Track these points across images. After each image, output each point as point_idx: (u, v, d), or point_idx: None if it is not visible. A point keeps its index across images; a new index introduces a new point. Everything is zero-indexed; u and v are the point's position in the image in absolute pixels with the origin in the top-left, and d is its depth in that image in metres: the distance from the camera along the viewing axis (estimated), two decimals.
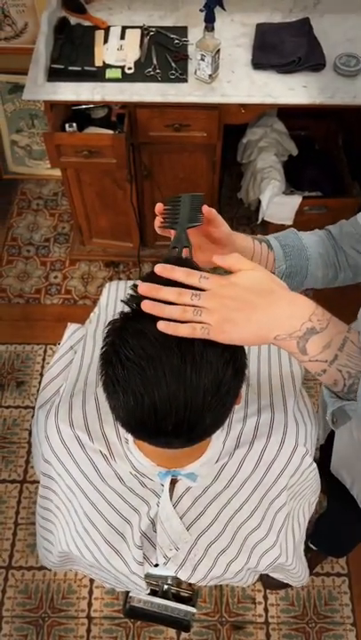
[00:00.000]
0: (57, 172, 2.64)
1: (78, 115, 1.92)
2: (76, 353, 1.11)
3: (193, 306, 0.63)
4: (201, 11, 1.64)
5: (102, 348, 0.70)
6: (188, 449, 0.78)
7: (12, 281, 2.46)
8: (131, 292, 0.70)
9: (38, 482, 0.99)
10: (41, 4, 2.13)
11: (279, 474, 0.90)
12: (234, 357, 0.67)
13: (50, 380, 1.07)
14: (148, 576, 0.95)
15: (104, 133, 1.81)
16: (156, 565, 0.91)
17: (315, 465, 0.95)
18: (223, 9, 1.65)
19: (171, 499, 0.86)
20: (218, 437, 0.86)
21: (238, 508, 0.89)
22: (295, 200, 2.22)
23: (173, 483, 0.86)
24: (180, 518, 0.87)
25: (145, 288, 0.64)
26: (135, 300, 0.69)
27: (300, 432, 0.94)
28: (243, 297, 0.64)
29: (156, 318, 0.64)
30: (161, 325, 0.62)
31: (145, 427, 0.66)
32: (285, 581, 1.13)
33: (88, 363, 1.07)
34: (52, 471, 0.92)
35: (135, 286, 0.70)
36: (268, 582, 1.82)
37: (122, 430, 0.87)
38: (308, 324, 0.65)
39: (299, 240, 0.91)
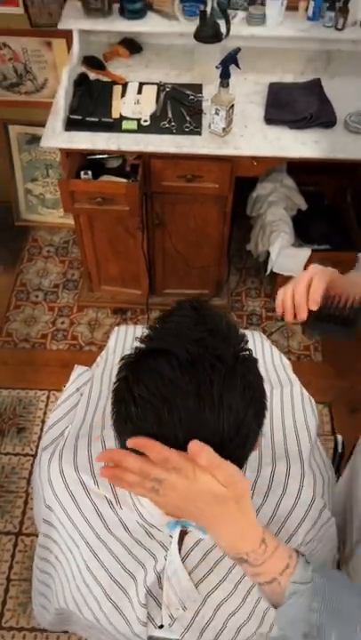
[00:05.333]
0: (69, 221, 2.69)
1: (93, 164, 1.96)
2: (82, 395, 1.08)
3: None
4: (217, 67, 1.70)
5: (115, 383, 0.67)
6: None
7: (19, 325, 2.45)
8: (146, 331, 0.68)
9: (35, 535, 0.93)
10: (62, 61, 2.22)
11: (296, 528, 0.84)
12: (255, 398, 0.64)
13: (55, 421, 1.03)
14: (150, 639, 0.87)
15: (118, 182, 1.84)
16: (161, 627, 0.84)
17: (333, 520, 0.89)
18: (238, 67, 1.71)
19: (180, 552, 0.80)
20: None
21: None
22: (304, 252, 2.23)
23: (183, 535, 0.80)
24: (189, 574, 0.80)
25: (109, 454, 0.64)
26: (149, 338, 0.66)
27: (318, 484, 0.89)
28: (198, 506, 0.63)
29: (171, 359, 0.61)
30: (103, 472, 0.64)
31: None
32: None
33: (94, 405, 1.03)
34: (53, 518, 0.87)
35: (150, 327, 0.68)
36: None
37: None
38: (245, 556, 0.65)
39: None
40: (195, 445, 0.59)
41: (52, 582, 0.92)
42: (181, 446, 0.61)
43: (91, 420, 1.00)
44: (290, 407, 1.06)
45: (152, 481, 0.61)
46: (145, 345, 0.65)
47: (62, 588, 0.88)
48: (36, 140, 2.53)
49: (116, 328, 1.33)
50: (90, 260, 2.26)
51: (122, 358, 0.67)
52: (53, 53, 2.24)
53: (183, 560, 0.80)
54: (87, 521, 0.83)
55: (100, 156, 1.95)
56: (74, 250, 2.69)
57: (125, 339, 1.28)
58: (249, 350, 0.66)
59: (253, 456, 0.89)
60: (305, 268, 2.25)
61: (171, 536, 0.80)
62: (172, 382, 0.61)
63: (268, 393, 1.04)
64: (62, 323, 2.46)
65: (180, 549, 0.80)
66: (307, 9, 1.95)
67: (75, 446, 0.89)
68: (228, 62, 1.67)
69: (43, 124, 1.91)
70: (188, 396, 0.60)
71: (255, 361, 0.66)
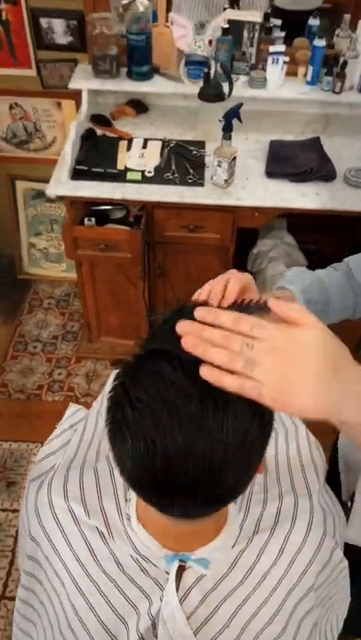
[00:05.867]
0: (71, 274, 2.70)
1: (97, 215, 1.99)
2: (76, 432, 1.03)
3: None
4: (220, 121, 1.76)
5: (110, 391, 0.63)
6: (202, 524, 0.67)
7: (15, 376, 2.40)
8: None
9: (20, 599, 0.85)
10: (70, 121, 2.31)
11: (305, 568, 0.76)
12: (261, 409, 0.60)
13: (46, 455, 0.98)
14: None
15: (121, 228, 1.86)
16: None
17: (346, 562, 0.82)
18: (240, 121, 1.77)
19: (177, 591, 0.72)
20: (234, 520, 0.75)
21: (256, 610, 0.74)
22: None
23: (181, 571, 0.73)
24: (187, 618, 0.72)
25: (186, 326, 0.54)
26: (149, 340, 0.63)
27: (329, 521, 0.82)
28: (307, 359, 0.51)
29: (172, 360, 0.57)
30: (204, 370, 0.52)
31: (155, 481, 0.57)
32: None
33: (88, 442, 0.97)
34: (38, 553, 0.79)
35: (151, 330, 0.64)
36: None
37: (123, 505, 0.76)
38: None
39: (325, 293, 0.88)
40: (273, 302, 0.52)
41: (35, 631, 0.82)
42: (182, 455, 0.56)
43: (84, 455, 0.94)
44: (295, 446, 1.00)
45: (243, 352, 0.50)
46: (144, 347, 0.62)
47: (45, 635, 0.79)
48: (41, 195, 2.59)
49: (113, 371, 1.29)
50: (90, 310, 2.25)
51: (120, 364, 0.63)
52: (63, 113, 2.34)
53: (181, 601, 0.72)
54: (75, 555, 0.75)
55: (104, 207, 1.98)
56: (75, 302, 2.69)
57: None
58: None
59: (259, 488, 0.82)
60: None
61: (167, 572, 0.72)
62: (173, 384, 0.56)
63: (272, 436, 0.99)
64: (59, 374, 2.41)
65: (177, 588, 0.72)
66: (305, 74, 2.04)
67: (65, 476, 0.83)
68: (231, 116, 1.73)
69: (49, 180, 1.95)
70: (189, 400, 0.56)
71: None
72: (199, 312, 0.54)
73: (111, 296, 2.18)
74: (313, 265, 2.46)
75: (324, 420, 0.52)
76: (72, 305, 2.69)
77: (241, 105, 1.74)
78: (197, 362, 0.57)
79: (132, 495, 0.75)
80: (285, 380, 0.51)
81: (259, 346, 0.51)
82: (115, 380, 0.63)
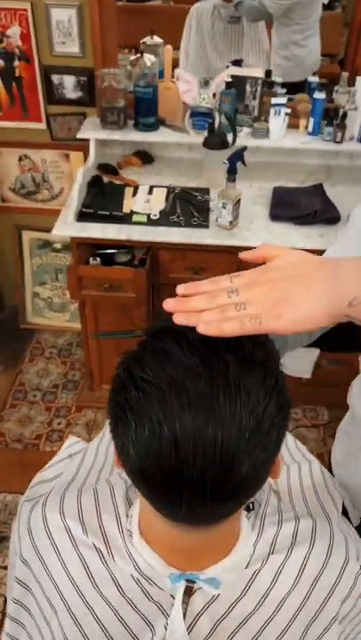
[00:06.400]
0: (74, 324, 2.68)
1: (102, 257, 1.99)
2: (74, 461, 0.96)
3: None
4: (224, 163, 1.79)
5: (114, 377, 0.58)
6: (211, 537, 0.60)
7: (13, 425, 2.32)
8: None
9: None
10: (77, 170, 2.37)
11: (328, 594, 0.68)
12: (277, 387, 0.55)
13: (40, 481, 0.91)
14: None
15: (126, 268, 1.85)
16: None
17: None
18: (244, 164, 1.81)
19: (184, 618, 0.63)
20: (247, 538, 0.68)
21: None
22: (313, 353, 2.17)
23: (188, 593, 0.65)
24: None
25: (172, 303, 0.54)
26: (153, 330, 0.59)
27: (351, 545, 0.74)
28: (292, 274, 0.52)
29: (179, 338, 0.53)
30: (201, 327, 0.50)
31: (161, 471, 0.51)
32: None
33: (87, 469, 0.91)
34: (29, 576, 0.71)
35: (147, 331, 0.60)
36: None
37: (124, 521, 0.69)
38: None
39: None
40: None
41: None
42: (190, 439, 0.50)
43: (82, 479, 0.87)
44: (310, 480, 0.94)
45: (231, 300, 0.52)
46: (149, 330, 0.58)
47: None
48: (48, 245, 2.62)
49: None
50: (92, 355, 2.20)
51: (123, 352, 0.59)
52: (71, 165, 2.40)
53: (189, 630, 0.64)
54: (70, 578, 0.67)
55: (109, 251, 1.99)
56: (77, 351, 2.65)
57: None
58: (266, 336, 0.58)
59: (272, 510, 0.75)
60: (314, 368, 2.19)
61: (172, 596, 0.64)
62: (181, 363, 0.52)
63: (284, 468, 0.93)
64: (59, 423, 2.32)
65: (184, 615, 0.64)
66: (307, 126, 2.11)
67: (62, 495, 0.76)
68: (235, 159, 1.76)
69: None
70: (198, 378, 0.51)
71: (275, 347, 0.57)
72: (180, 289, 0.55)
73: (114, 341, 2.14)
74: None
75: (337, 315, 0.52)
76: (74, 354, 2.65)
77: (245, 148, 1.78)
78: (206, 341, 0.53)
79: (134, 511, 0.69)
80: (280, 299, 0.51)
81: (243, 289, 0.52)
82: (118, 366, 0.58)
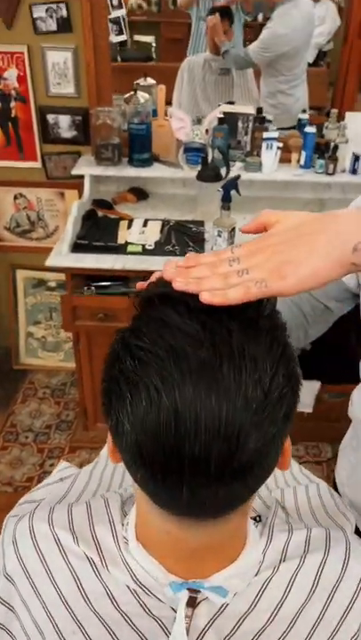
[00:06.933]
0: (68, 364, 2.62)
1: (97, 289, 1.96)
2: (64, 482, 0.90)
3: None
4: (219, 191, 1.80)
5: (108, 352, 0.53)
6: (216, 537, 0.54)
7: (3, 468, 2.21)
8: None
9: None
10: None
11: (347, 608, 0.61)
12: (285, 356, 0.50)
13: (29, 500, 0.84)
14: None
15: (121, 297, 1.82)
16: None
17: None
18: (238, 193, 1.81)
19: (187, 634, 0.56)
20: (256, 544, 0.61)
21: None
22: (314, 385, 2.12)
23: (192, 605, 0.57)
24: None
25: (171, 271, 0.52)
26: (152, 286, 0.55)
27: None
28: (292, 236, 0.51)
29: (177, 305, 0.49)
30: (205, 296, 0.48)
31: (160, 446, 0.46)
32: None
33: (78, 491, 0.85)
34: (12, 594, 0.63)
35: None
36: None
37: (120, 529, 0.62)
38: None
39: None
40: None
41: None
42: (193, 411, 0.45)
43: (75, 498, 0.80)
44: (318, 501, 0.87)
45: (233, 268, 0.50)
46: (146, 293, 0.53)
47: None
48: (42, 283, 2.60)
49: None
50: (87, 392, 2.14)
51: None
52: (65, 203, 2.42)
53: None
54: (59, 591, 0.60)
55: (104, 283, 1.96)
56: (71, 391, 2.58)
57: None
58: (273, 307, 0.54)
59: (280, 521, 0.68)
60: (315, 402, 2.13)
61: (173, 609, 0.57)
62: (180, 330, 0.48)
63: (290, 490, 0.87)
64: (51, 465, 2.22)
65: (187, 630, 0.56)
66: (299, 160, 2.14)
67: (52, 507, 0.69)
68: (229, 187, 1.77)
69: (50, 269, 1.96)
70: (200, 345, 0.47)
71: (281, 317, 0.53)
72: (179, 263, 0.53)
73: None
74: (315, 348, 2.40)
75: (344, 264, 0.49)
76: (68, 394, 2.58)
77: (239, 176, 1.79)
78: (208, 309, 0.49)
79: (131, 517, 0.62)
80: (283, 261, 0.49)
81: (244, 257, 0.51)
82: (113, 344, 0.54)
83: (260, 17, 3.24)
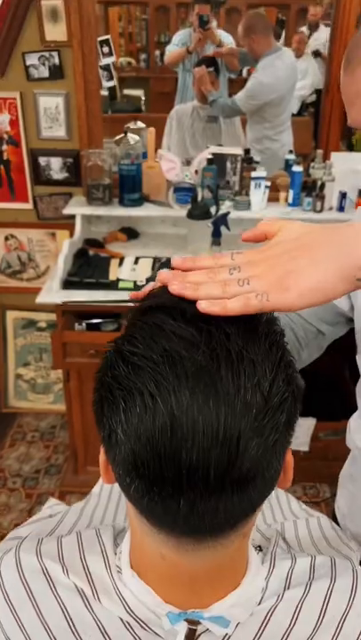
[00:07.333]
0: (57, 406, 2.57)
1: (88, 326, 1.95)
2: (54, 518, 0.85)
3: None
4: (209, 226, 1.81)
5: (101, 361, 0.51)
6: (217, 561, 0.50)
7: None
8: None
9: None
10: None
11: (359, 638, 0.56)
12: (284, 361, 0.48)
13: (16, 537, 0.79)
14: None
15: (113, 333, 1.80)
16: None
17: None
18: (228, 229, 1.83)
19: None
20: (258, 571, 0.57)
21: None
22: (309, 422, 2.08)
23: (191, 638, 0.52)
24: None
25: (167, 275, 0.50)
26: (146, 297, 0.53)
27: None
28: (295, 246, 0.48)
29: (172, 312, 0.47)
30: (203, 305, 0.46)
31: (156, 455, 0.43)
32: None
33: (68, 527, 0.80)
34: None
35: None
36: None
37: (112, 558, 0.58)
38: None
39: None
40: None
41: None
42: (190, 417, 0.43)
43: (65, 532, 0.76)
44: (320, 533, 0.83)
45: (233, 277, 0.48)
46: (139, 303, 0.52)
47: None
48: (32, 324, 2.58)
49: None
50: (77, 435, 2.08)
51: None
52: (57, 243, 2.42)
53: None
54: (46, 627, 0.55)
55: (95, 320, 1.95)
56: (61, 434, 2.51)
57: (112, 487, 1.07)
58: (271, 314, 0.52)
59: (282, 550, 0.65)
60: (311, 440, 2.08)
61: None
62: (175, 333, 0.46)
63: (290, 523, 0.83)
64: (40, 511, 2.13)
65: None
66: (287, 198, 2.18)
67: (40, 539, 0.65)
68: (220, 223, 1.79)
69: (40, 309, 1.95)
70: (196, 349, 0.45)
71: (279, 325, 0.51)
72: (175, 262, 0.51)
73: None
74: (310, 381, 2.39)
75: (349, 279, 0.47)
76: (58, 437, 2.51)
77: (228, 213, 1.82)
78: (205, 316, 0.47)
79: (124, 546, 0.58)
80: (286, 272, 0.47)
81: (245, 266, 0.48)
82: (106, 352, 0.51)
83: (244, 72, 3.36)
